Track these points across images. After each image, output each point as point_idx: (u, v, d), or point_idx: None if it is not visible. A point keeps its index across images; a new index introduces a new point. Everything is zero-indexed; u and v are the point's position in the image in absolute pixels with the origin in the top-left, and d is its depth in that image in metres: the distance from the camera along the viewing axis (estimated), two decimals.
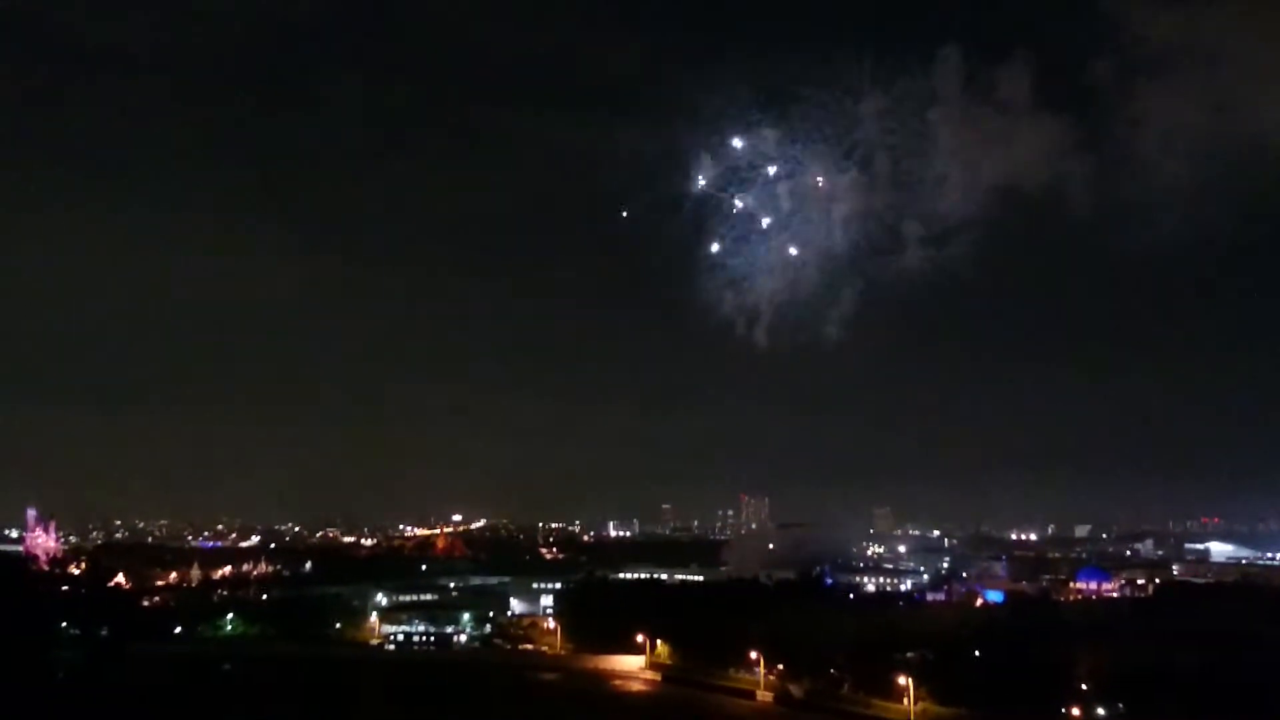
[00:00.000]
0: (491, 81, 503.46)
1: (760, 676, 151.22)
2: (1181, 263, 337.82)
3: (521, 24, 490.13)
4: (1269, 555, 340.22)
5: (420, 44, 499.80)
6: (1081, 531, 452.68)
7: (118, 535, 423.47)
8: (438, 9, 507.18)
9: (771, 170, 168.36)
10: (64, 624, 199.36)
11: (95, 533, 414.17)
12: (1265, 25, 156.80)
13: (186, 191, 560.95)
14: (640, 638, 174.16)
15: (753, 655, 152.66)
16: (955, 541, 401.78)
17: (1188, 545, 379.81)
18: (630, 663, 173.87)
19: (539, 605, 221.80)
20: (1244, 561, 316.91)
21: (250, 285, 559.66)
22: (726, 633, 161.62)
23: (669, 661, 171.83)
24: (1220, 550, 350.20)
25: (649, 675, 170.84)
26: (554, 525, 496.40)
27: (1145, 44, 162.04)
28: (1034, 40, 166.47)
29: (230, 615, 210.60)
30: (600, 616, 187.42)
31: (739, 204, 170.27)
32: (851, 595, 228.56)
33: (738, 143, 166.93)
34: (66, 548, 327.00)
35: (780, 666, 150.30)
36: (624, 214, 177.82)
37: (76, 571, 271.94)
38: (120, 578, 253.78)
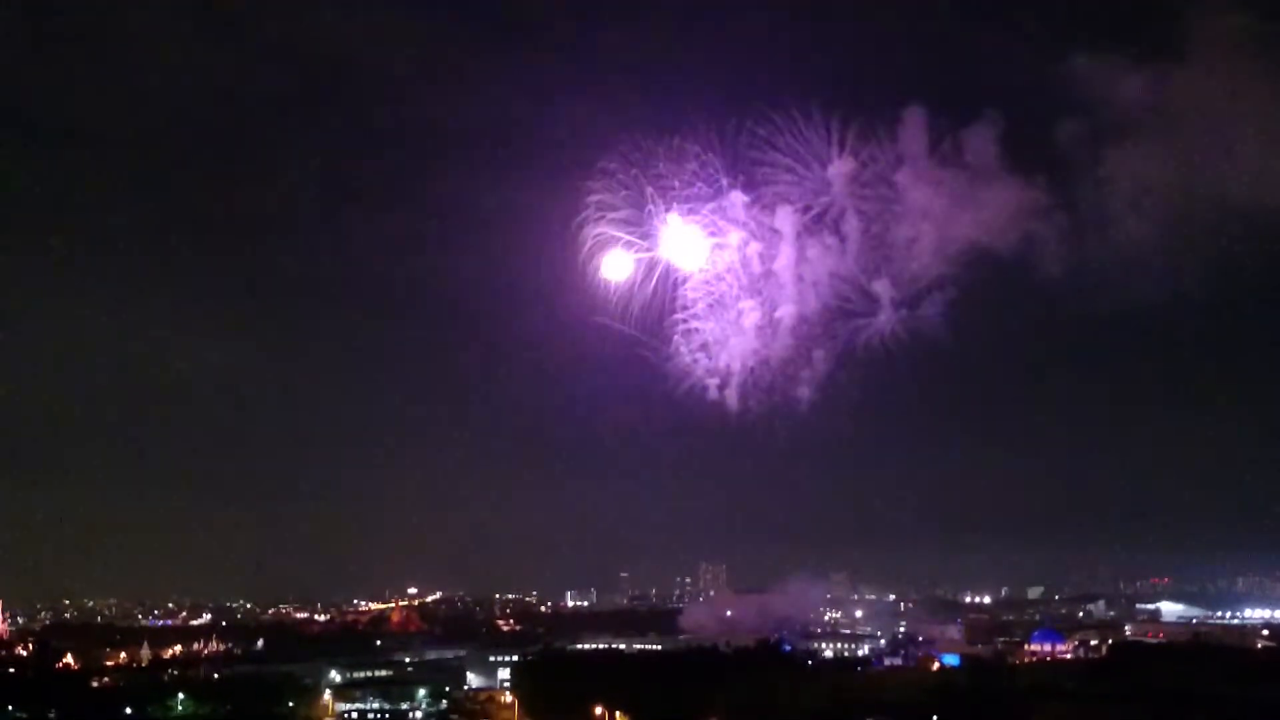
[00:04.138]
0: (450, 151, 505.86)
1: None
2: (1147, 325, 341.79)
3: (480, 93, 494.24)
4: (1219, 614, 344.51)
5: (377, 115, 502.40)
6: (1034, 593, 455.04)
7: (67, 615, 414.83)
8: (392, 78, 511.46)
9: (741, 234, 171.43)
10: (9, 708, 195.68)
11: (44, 613, 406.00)
12: (1230, 86, 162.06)
13: (136, 267, 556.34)
14: (599, 709, 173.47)
15: None
16: (910, 605, 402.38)
17: (1139, 605, 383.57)
18: None
19: (496, 678, 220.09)
20: (1194, 621, 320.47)
21: (201, 360, 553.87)
22: (685, 702, 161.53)
23: None
24: (1171, 610, 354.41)
25: None
26: (510, 596, 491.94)
27: (1113, 106, 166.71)
28: (1001, 102, 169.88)
29: (181, 695, 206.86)
30: (558, 688, 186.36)
31: (708, 267, 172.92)
32: (809, 661, 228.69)
33: (707, 208, 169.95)
34: (14, 629, 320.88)
35: None
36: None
37: (24, 653, 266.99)
38: (69, 659, 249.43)
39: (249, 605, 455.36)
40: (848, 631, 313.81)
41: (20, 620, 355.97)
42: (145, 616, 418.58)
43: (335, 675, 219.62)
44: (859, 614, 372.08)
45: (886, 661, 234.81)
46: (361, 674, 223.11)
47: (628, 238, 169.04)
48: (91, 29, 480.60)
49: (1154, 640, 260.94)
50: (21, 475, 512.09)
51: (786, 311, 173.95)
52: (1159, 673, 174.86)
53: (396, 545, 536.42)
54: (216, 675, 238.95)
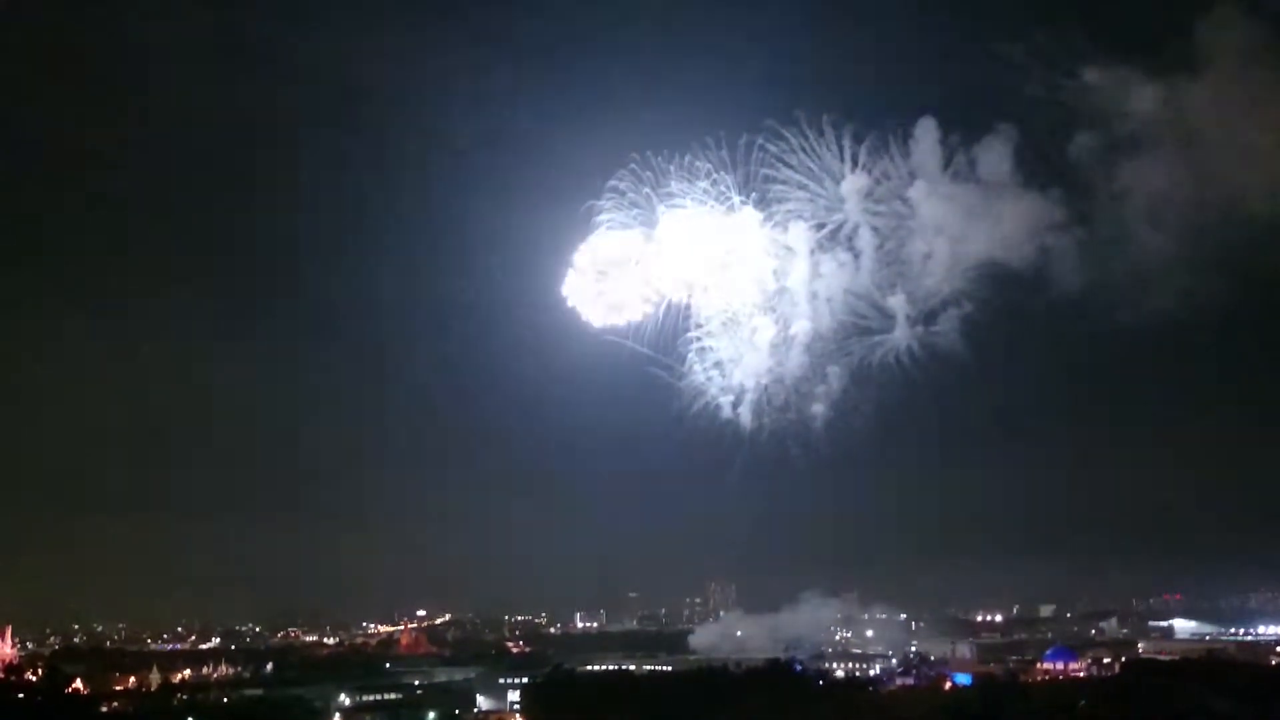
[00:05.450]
0: (459, 170, 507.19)
1: None
2: (1163, 339, 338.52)
3: (489, 110, 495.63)
4: (1232, 630, 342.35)
5: (384, 134, 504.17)
6: (1046, 611, 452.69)
7: (76, 640, 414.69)
8: (401, 98, 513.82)
9: (754, 251, 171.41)
10: None
11: (53, 637, 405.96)
12: (1245, 98, 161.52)
13: (142, 288, 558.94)
14: None
15: None
16: (922, 624, 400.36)
17: (1151, 622, 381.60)
18: None
19: (506, 700, 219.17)
20: (1207, 638, 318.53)
21: (209, 382, 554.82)
22: None
23: None
24: (1183, 627, 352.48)
25: None
26: (520, 618, 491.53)
27: (1127, 118, 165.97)
28: (1015, 116, 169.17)
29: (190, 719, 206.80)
30: (568, 710, 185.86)
31: (720, 285, 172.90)
32: (820, 681, 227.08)
33: (719, 225, 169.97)
34: (23, 654, 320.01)
35: None
36: None
37: (33, 678, 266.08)
38: (78, 683, 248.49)
39: (258, 628, 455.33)
40: (859, 651, 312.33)
41: (29, 645, 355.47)
42: (154, 640, 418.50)
43: (344, 698, 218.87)
44: (870, 633, 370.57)
45: (898, 681, 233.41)
46: (370, 697, 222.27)
47: (639, 256, 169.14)
48: (105, 50, 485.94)
49: (1167, 657, 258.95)
50: (30, 500, 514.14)
51: (800, 328, 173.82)
52: (1173, 690, 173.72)
53: (405, 567, 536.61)
54: (225, 699, 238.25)
